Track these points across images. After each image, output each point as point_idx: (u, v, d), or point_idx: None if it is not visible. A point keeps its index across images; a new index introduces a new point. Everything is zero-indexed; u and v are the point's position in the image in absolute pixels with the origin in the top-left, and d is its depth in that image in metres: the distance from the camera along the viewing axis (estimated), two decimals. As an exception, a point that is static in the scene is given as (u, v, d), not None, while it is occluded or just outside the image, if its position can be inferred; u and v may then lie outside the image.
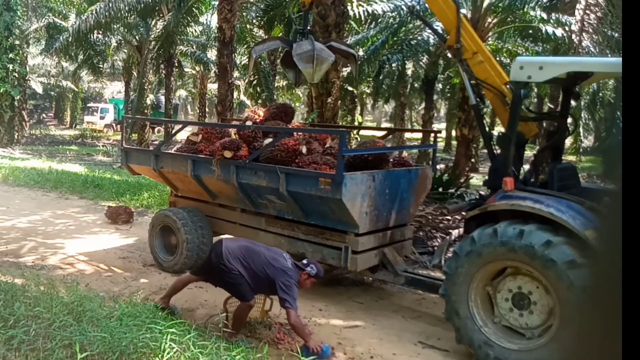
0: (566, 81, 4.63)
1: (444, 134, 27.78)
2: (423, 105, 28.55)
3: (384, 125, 40.89)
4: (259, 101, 16.95)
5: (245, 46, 18.15)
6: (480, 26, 13.13)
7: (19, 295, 4.10)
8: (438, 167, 10.85)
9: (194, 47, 24.62)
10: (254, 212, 5.80)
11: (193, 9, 17.53)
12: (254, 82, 17.34)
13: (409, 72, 24.34)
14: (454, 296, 4.24)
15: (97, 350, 3.36)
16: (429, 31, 13.55)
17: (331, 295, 5.62)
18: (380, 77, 21.29)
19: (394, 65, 18.57)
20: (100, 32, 19.47)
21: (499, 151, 4.56)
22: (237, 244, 4.39)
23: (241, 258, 4.17)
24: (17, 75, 21.10)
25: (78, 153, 22.51)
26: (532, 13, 14.17)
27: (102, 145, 26.50)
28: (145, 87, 21.32)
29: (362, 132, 23.98)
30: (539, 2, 12.75)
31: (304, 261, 4.39)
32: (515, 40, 17.11)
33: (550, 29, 13.69)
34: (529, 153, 7.75)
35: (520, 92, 4.23)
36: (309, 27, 6.44)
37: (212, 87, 26.61)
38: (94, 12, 15.85)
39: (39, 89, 36.22)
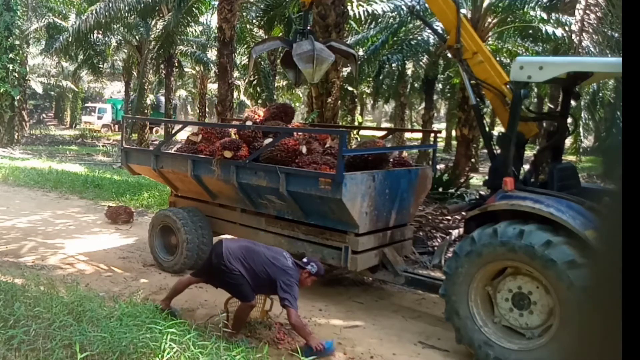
0: (566, 81, 4.63)
1: (444, 134, 27.79)
2: (423, 105, 28.56)
3: (384, 125, 40.89)
4: (259, 101, 16.95)
5: (245, 46, 18.15)
6: (480, 26, 13.13)
7: (19, 295, 4.10)
8: (438, 167, 10.85)
9: (194, 47, 24.63)
10: (254, 212, 5.80)
11: (193, 9, 17.53)
12: (254, 82, 17.34)
13: (409, 72, 24.35)
14: (454, 296, 4.24)
15: (97, 350, 3.36)
16: (429, 31, 13.55)
17: (331, 295, 5.62)
18: (380, 77, 21.30)
19: (394, 65, 18.57)
20: (100, 32, 19.48)
21: (499, 151, 4.56)
22: (237, 244, 4.39)
23: (242, 258, 4.17)
24: (17, 75, 21.11)
25: (78, 153, 22.51)
26: (532, 13, 14.17)
27: (102, 145, 26.50)
28: (145, 87, 21.33)
29: (362, 132, 24.00)
30: (539, 2, 12.75)
31: (304, 260, 4.40)
32: (515, 40, 17.12)
33: (550, 29, 13.69)
34: (529, 153, 7.75)
35: (520, 92, 4.23)
36: (309, 27, 6.44)
37: (212, 87, 26.61)
38: (94, 12, 15.85)
39: (39, 89, 36.23)
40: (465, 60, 4.83)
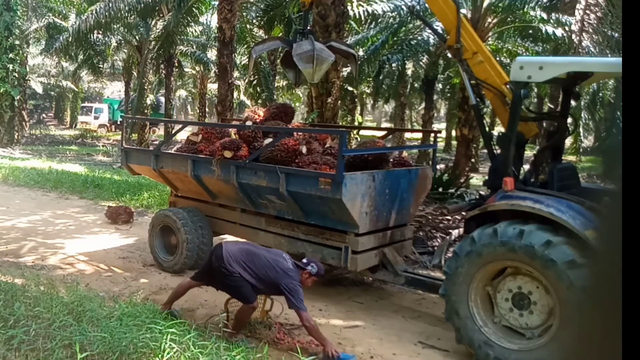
0: (566, 81, 4.63)
1: (444, 134, 27.79)
2: (423, 105, 28.55)
3: (384, 125, 40.88)
4: (259, 101, 16.95)
5: (245, 46, 18.14)
6: (480, 26, 13.13)
7: (19, 295, 4.10)
8: (438, 167, 10.85)
9: (194, 47, 24.61)
10: (254, 212, 5.80)
11: (193, 9, 17.52)
12: (254, 82, 17.34)
13: (409, 72, 24.34)
14: (454, 296, 4.24)
15: (97, 350, 3.36)
16: (429, 31, 13.55)
17: (331, 295, 5.62)
18: (380, 77, 21.29)
19: (394, 65, 18.57)
20: (100, 32, 19.47)
21: (499, 151, 4.56)
22: (237, 247, 4.38)
23: (242, 261, 4.17)
24: (17, 75, 21.11)
25: (78, 153, 22.51)
26: (532, 13, 14.16)
27: (102, 145, 26.50)
28: (145, 87, 21.32)
29: (362, 132, 23.99)
30: (539, 2, 12.75)
31: (304, 260, 4.40)
32: (515, 40, 17.11)
33: (550, 29, 13.69)
34: (529, 153, 7.75)
35: (520, 92, 4.23)
36: (309, 27, 6.44)
37: (212, 87, 26.61)
38: (94, 12, 15.84)
39: (39, 89, 36.22)
40: (465, 60, 4.83)
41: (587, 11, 8.41)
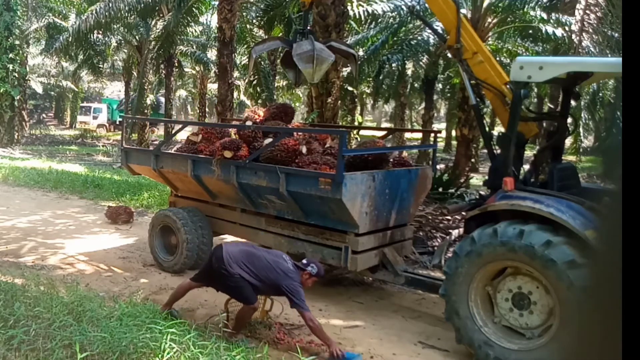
0: (566, 81, 4.63)
1: (444, 134, 27.78)
2: (423, 105, 28.55)
3: (384, 125, 40.88)
4: (259, 101, 16.94)
5: (245, 46, 18.14)
6: (480, 26, 13.13)
7: (19, 295, 4.11)
8: (438, 167, 10.85)
9: (194, 47, 24.62)
10: (254, 212, 5.80)
11: (193, 9, 17.52)
12: (254, 82, 17.34)
13: (409, 72, 24.34)
14: (454, 296, 4.24)
15: (97, 350, 3.36)
16: (429, 31, 13.55)
17: (331, 295, 5.62)
18: (380, 77, 21.29)
19: (394, 65, 18.57)
20: (100, 32, 19.47)
21: (499, 151, 4.56)
22: (237, 248, 4.38)
23: (242, 262, 4.17)
24: (17, 75, 21.11)
25: (78, 153, 22.51)
26: (532, 13, 14.16)
27: (102, 145, 26.51)
28: (145, 87, 21.32)
29: (362, 132, 23.98)
30: (539, 2, 12.75)
31: (304, 261, 4.39)
32: (515, 40, 17.11)
33: (550, 29, 13.69)
34: (529, 153, 7.75)
35: (520, 92, 4.23)
36: (309, 27, 6.44)
37: (212, 87, 26.60)
38: (94, 12, 15.84)
39: (39, 89, 36.22)
40: (465, 60, 4.83)
41: (587, 11, 8.41)
